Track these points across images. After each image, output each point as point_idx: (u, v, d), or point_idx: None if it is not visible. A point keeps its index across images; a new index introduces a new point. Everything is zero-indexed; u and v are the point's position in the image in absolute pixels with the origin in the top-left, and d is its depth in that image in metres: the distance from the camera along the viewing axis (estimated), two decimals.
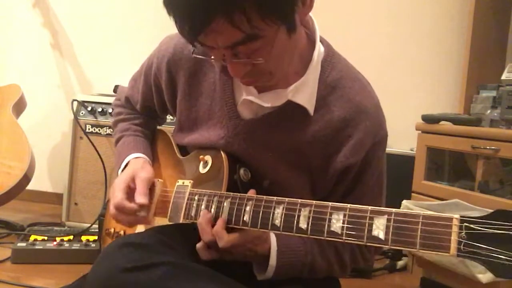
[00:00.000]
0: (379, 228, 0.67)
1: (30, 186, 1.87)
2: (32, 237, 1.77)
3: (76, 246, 1.72)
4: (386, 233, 0.66)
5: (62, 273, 1.60)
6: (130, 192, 1.00)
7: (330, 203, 0.74)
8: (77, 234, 1.83)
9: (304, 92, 0.91)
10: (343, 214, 0.71)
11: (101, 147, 2.07)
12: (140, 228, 1.04)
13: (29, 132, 1.92)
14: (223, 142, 0.97)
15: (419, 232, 0.63)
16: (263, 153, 0.95)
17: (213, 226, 0.87)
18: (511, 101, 1.63)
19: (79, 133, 2.11)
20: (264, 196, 0.82)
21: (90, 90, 2.50)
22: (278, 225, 0.78)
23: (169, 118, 1.68)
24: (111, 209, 0.98)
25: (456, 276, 1.54)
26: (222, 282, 0.83)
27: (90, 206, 2.10)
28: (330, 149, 0.93)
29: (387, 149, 1.01)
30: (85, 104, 2.11)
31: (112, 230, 1.15)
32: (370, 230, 0.68)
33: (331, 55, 0.95)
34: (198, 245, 0.89)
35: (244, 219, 0.83)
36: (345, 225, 0.70)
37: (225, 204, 0.87)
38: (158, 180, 1.06)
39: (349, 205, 0.72)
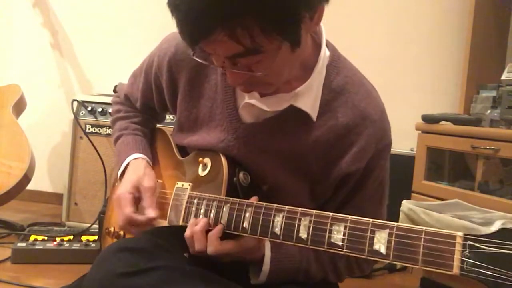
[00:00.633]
0: (380, 242, 0.66)
1: (30, 186, 1.87)
2: (32, 237, 1.77)
3: (76, 246, 1.72)
4: (388, 248, 0.65)
5: (62, 273, 1.60)
6: (136, 201, 0.99)
7: (330, 214, 0.73)
8: (77, 234, 1.83)
9: (307, 97, 0.90)
10: (344, 226, 0.70)
11: (101, 147, 2.07)
12: None
13: (29, 132, 1.92)
14: (223, 145, 0.97)
15: (421, 248, 0.62)
16: (263, 157, 0.95)
17: (208, 231, 0.87)
18: (511, 101, 1.63)
19: (79, 133, 2.11)
20: (264, 203, 0.81)
21: (90, 90, 2.50)
22: (278, 233, 0.78)
23: (168, 118, 1.68)
24: (120, 222, 0.98)
25: (456, 276, 1.54)
26: (219, 285, 0.83)
27: (90, 206, 2.10)
28: (332, 155, 0.92)
29: None
30: (85, 104, 2.11)
31: (112, 229, 1.14)
32: (371, 244, 0.67)
33: (336, 59, 0.94)
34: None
35: (244, 225, 0.83)
36: (346, 237, 0.69)
37: (224, 209, 0.87)
38: (157, 181, 1.06)
39: (350, 217, 0.70)
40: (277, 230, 0.78)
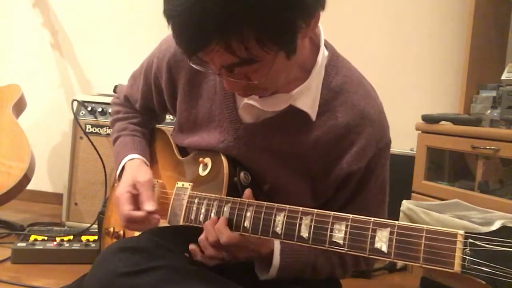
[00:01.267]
0: (381, 240, 0.66)
1: (30, 186, 1.87)
2: (32, 237, 1.77)
3: (76, 246, 1.72)
4: (389, 246, 0.65)
5: (62, 273, 1.60)
6: (134, 199, 0.99)
7: (332, 213, 0.73)
8: (77, 234, 1.83)
9: (306, 97, 0.90)
10: (345, 225, 0.70)
11: (101, 147, 2.07)
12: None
13: (29, 132, 1.92)
14: (223, 146, 0.97)
15: (422, 246, 0.62)
16: (264, 157, 0.95)
17: None
18: (511, 101, 1.63)
19: (79, 133, 2.11)
20: (265, 203, 0.82)
21: (90, 90, 2.50)
22: (279, 232, 0.78)
23: (168, 118, 1.68)
24: (122, 222, 0.98)
25: (456, 275, 1.54)
26: (220, 284, 0.83)
27: (90, 206, 2.10)
28: (332, 155, 0.92)
29: None
30: (85, 104, 2.11)
31: (111, 229, 1.15)
32: (372, 242, 0.67)
33: (335, 59, 0.94)
34: (191, 246, 0.89)
35: (245, 225, 0.83)
36: (347, 236, 0.70)
37: (225, 208, 0.87)
38: (157, 181, 1.06)
39: (351, 216, 0.71)
40: (278, 229, 0.78)
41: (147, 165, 1.09)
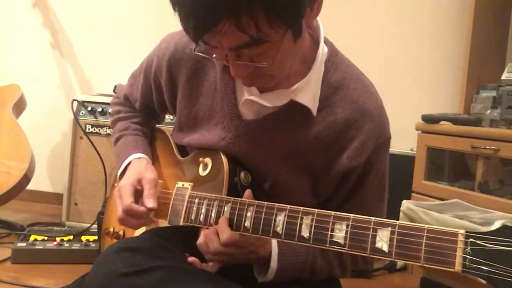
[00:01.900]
0: (382, 240, 0.66)
1: (30, 186, 1.87)
2: (32, 237, 1.77)
3: (76, 246, 1.72)
4: (390, 246, 0.65)
5: (62, 273, 1.60)
6: (137, 194, 0.99)
7: (332, 212, 0.73)
8: (77, 234, 1.83)
9: (307, 92, 0.90)
10: (346, 224, 0.71)
11: (101, 147, 2.07)
12: (141, 230, 1.03)
13: (29, 132, 1.92)
14: (224, 143, 0.96)
15: (423, 246, 0.62)
16: (265, 154, 0.95)
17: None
18: (511, 101, 1.63)
19: (79, 133, 2.11)
20: (266, 203, 0.82)
21: (90, 90, 2.50)
22: (280, 232, 0.78)
23: (168, 118, 1.68)
24: (119, 213, 0.97)
25: (456, 275, 1.54)
26: (220, 284, 0.83)
27: (90, 206, 2.10)
28: (333, 151, 0.92)
29: None
30: (85, 104, 2.11)
31: (111, 229, 1.14)
32: (373, 242, 0.67)
33: (334, 55, 0.94)
34: (190, 259, 0.89)
35: (245, 224, 0.83)
36: (348, 236, 0.70)
37: (225, 209, 0.87)
38: (157, 181, 1.06)
39: (352, 215, 0.71)
40: (279, 229, 0.78)
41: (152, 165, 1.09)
